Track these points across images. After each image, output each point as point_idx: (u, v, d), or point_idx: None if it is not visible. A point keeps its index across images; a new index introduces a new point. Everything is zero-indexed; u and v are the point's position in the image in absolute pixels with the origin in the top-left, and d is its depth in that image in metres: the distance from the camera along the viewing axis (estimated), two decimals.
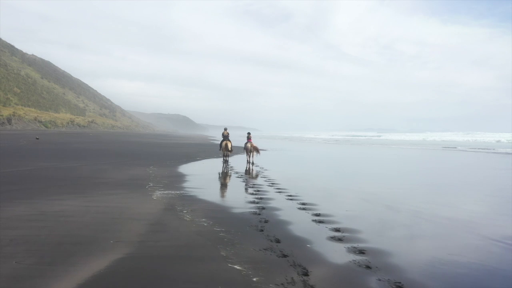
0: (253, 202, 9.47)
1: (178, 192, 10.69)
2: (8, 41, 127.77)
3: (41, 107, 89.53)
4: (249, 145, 19.55)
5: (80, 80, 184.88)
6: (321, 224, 7.47)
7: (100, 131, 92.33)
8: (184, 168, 17.03)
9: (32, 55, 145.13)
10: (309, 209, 8.75)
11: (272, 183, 12.80)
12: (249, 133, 20.77)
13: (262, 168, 17.96)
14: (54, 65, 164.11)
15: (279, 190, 11.33)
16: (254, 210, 8.51)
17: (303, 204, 9.34)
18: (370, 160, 28.44)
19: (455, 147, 47.87)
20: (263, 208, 8.71)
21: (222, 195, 11.22)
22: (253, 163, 19.24)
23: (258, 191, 11.25)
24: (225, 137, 20.22)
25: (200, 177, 15.02)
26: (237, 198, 10.43)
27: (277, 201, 9.76)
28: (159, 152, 27.55)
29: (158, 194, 10.22)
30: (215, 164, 20.08)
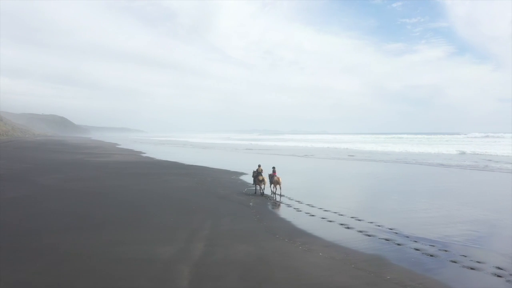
0: None
1: None
2: None
3: None
4: (276, 178, 21.92)
5: None
6: None
7: None
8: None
9: None
10: None
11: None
12: (274, 168, 22.96)
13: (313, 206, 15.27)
14: None
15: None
16: None
17: None
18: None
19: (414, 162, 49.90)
20: None
21: None
22: (277, 194, 21.47)
23: None
24: (259, 173, 22.32)
25: None
26: None
27: None
28: (194, 198, 21.78)
29: None
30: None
